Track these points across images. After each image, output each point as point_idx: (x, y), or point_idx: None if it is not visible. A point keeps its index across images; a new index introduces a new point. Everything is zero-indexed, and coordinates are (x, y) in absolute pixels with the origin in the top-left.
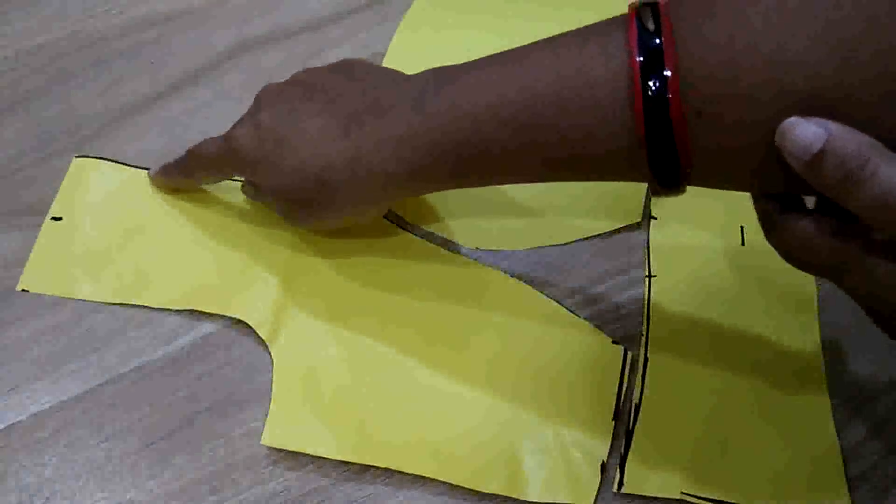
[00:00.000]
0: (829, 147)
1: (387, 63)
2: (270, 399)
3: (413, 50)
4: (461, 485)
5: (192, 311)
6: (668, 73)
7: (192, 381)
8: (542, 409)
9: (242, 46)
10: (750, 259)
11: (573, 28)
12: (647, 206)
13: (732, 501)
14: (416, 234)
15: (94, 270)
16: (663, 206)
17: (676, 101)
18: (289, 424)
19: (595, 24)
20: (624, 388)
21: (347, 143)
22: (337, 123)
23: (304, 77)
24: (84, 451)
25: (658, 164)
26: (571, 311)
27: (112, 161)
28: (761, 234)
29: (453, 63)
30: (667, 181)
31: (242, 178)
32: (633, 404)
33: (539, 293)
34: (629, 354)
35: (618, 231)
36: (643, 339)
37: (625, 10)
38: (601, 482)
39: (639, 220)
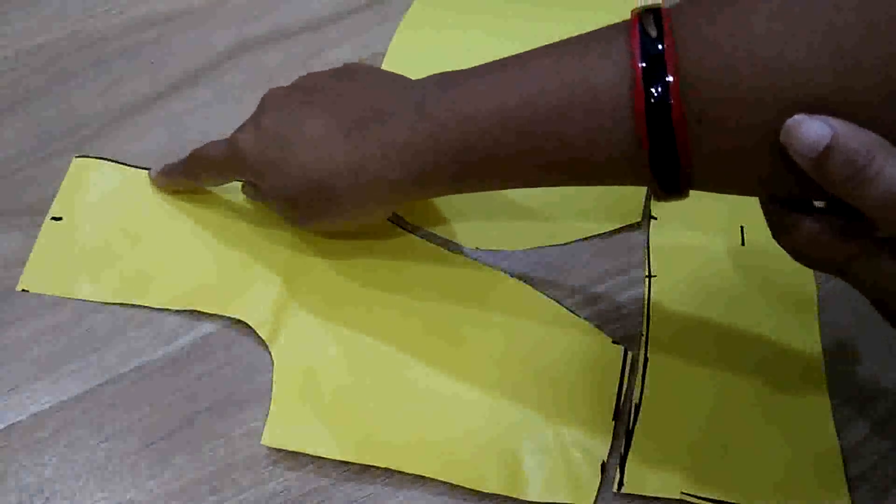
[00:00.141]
0: (835, 144)
1: (387, 63)
2: (270, 399)
3: (413, 50)
4: (461, 485)
5: (192, 311)
6: (670, 78)
7: (192, 381)
8: (542, 409)
9: (242, 46)
10: (750, 259)
11: (573, 28)
12: (647, 207)
13: (732, 501)
14: (416, 235)
15: (94, 270)
16: (663, 207)
17: (678, 107)
18: (289, 424)
19: (597, 29)
20: (624, 388)
21: (350, 148)
22: (340, 128)
23: (307, 82)
24: (84, 451)
25: (660, 169)
26: (571, 311)
27: (112, 161)
28: (761, 234)
29: (453, 63)
30: (669, 186)
31: (243, 180)
32: (633, 404)
33: (539, 293)
34: (629, 354)
35: (618, 231)
36: (643, 339)
37: (625, 9)
38: (601, 482)
39: (639, 220)
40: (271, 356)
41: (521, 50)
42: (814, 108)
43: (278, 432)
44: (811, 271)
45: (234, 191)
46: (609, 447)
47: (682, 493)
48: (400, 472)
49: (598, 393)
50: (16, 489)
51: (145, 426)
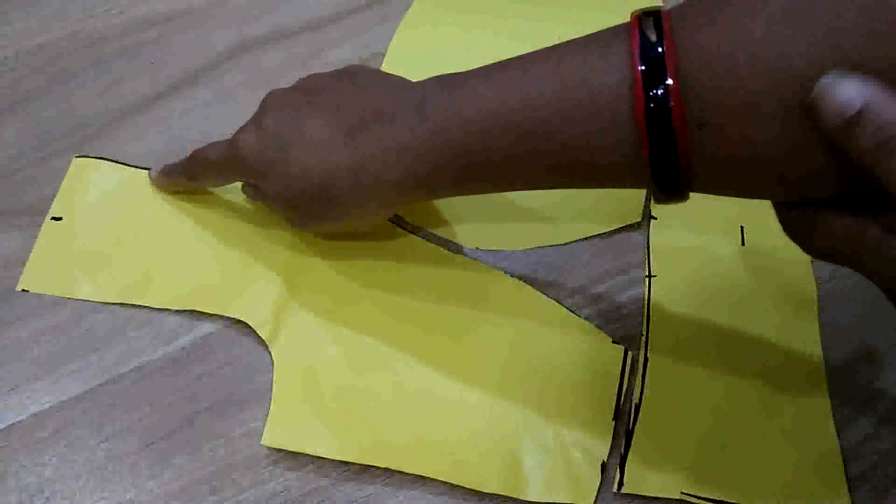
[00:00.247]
0: (867, 111)
1: (387, 63)
2: (270, 399)
3: (413, 50)
4: (461, 485)
5: (192, 311)
6: (670, 81)
7: (192, 381)
8: (542, 409)
9: (242, 46)
10: (750, 259)
11: (573, 27)
12: (647, 207)
13: (732, 501)
14: (416, 235)
15: (94, 270)
16: (663, 207)
17: (678, 110)
18: (289, 424)
19: (597, 32)
20: (624, 388)
21: (351, 150)
22: (341, 130)
23: (309, 83)
24: (84, 451)
25: (660, 172)
26: (571, 311)
27: (112, 161)
28: (761, 234)
29: (453, 63)
30: (669, 189)
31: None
32: (633, 404)
33: (539, 293)
34: (629, 354)
35: (618, 231)
36: (643, 339)
37: (625, 9)
38: (601, 482)
39: (639, 220)
40: (271, 356)
41: (522, 50)
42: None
43: (278, 432)
44: (811, 271)
45: (234, 191)
46: (609, 447)
47: (682, 493)
48: (400, 472)
49: (598, 393)
50: (16, 489)
51: (145, 426)
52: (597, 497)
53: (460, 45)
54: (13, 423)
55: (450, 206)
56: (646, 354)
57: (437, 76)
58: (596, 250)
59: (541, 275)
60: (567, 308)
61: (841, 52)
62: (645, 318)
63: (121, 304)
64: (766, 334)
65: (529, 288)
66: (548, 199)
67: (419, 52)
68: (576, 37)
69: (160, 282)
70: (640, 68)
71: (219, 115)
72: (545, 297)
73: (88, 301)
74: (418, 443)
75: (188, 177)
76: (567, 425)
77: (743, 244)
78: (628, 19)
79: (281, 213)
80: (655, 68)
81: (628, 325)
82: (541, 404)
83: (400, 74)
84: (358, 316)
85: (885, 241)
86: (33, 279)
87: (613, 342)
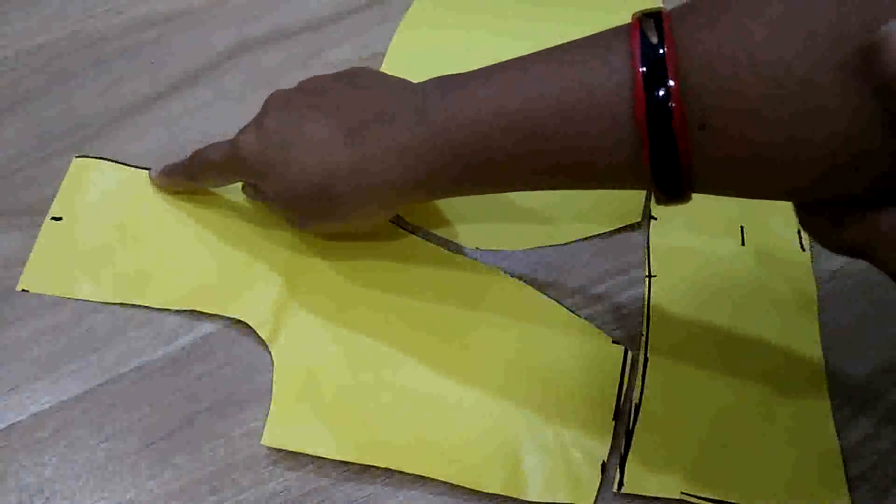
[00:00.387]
0: None
1: (387, 63)
2: (270, 399)
3: (413, 50)
4: (461, 485)
5: (192, 311)
6: (671, 82)
7: (192, 381)
8: (542, 409)
9: (242, 46)
10: (750, 259)
11: (573, 27)
12: (647, 207)
13: (732, 501)
14: (416, 235)
15: (95, 270)
16: (663, 207)
17: (679, 112)
18: (289, 424)
19: (598, 33)
20: (624, 388)
21: (352, 151)
22: (341, 131)
23: (310, 84)
24: (84, 451)
25: (661, 174)
26: (571, 311)
27: (112, 161)
28: (761, 235)
29: (453, 63)
30: (670, 191)
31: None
32: (633, 404)
33: (539, 293)
34: (629, 354)
35: (618, 231)
36: (643, 339)
37: (625, 9)
38: (601, 482)
39: (639, 220)
40: (271, 356)
41: (522, 50)
42: (816, 114)
43: (278, 432)
44: (811, 271)
45: (234, 191)
46: (609, 447)
47: (682, 493)
48: (400, 472)
49: (598, 393)
50: (16, 489)
51: (145, 426)
52: (597, 497)
53: (460, 46)
54: (13, 423)
55: (450, 206)
56: (646, 354)
57: (438, 77)
58: (596, 250)
59: (541, 275)
60: (567, 308)
61: (842, 53)
62: (645, 318)
63: (121, 304)
64: (766, 334)
65: (529, 288)
66: (548, 199)
67: (419, 52)
68: (576, 37)
69: (160, 282)
70: (641, 69)
71: (219, 115)
72: (545, 297)
73: (88, 301)
74: (418, 443)
75: (189, 177)
76: (567, 425)
77: (743, 244)
78: (628, 20)
79: (281, 213)
80: (656, 69)
81: (628, 325)
82: (541, 404)
83: (400, 75)
84: (358, 316)
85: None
86: (33, 279)
87: (613, 342)
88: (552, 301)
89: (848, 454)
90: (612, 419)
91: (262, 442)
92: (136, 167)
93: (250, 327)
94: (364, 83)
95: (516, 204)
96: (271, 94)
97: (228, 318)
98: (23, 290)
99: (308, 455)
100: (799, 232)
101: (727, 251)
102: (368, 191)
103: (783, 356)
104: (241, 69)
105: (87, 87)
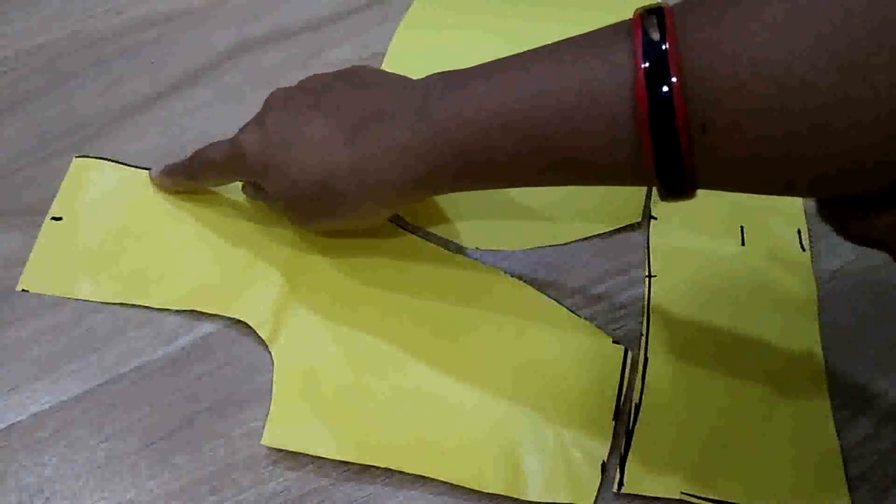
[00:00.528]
0: None
1: (387, 63)
2: (270, 399)
3: (413, 50)
4: (461, 485)
5: (192, 311)
6: (673, 79)
7: (192, 381)
8: (542, 409)
9: (242, 46)
10: (750, 259)
11: (573, 28)
12: (647, 206)
13: (732, 501)
14: (416, 234)
15: (95, 270)
16: (663, 207)
17: (681, 109)
18: (289, 424)
19: (599, 30)
20: (624, 388)
21: (352, 149)
22: (342, 130)
23: (311, 83)
24: (84, 451)
25: (664, 172)
26: (571, 311)
27: (112, 161)
28: (761, 235)
29: (453, 63)
30: (674, 188)
31: (244, 181)
32: (633, 404)
33: (539, 293)
34: (629, 354)
35: (618, 231)
36: (643, 339)
37: (625, 9)
38: (601, 482)
39: (639, 220)
40: (271, 356)
41: (521, 50)
42: (820, 118)
43: (278, 432)
44: (811, 271)
45: (234, 191)
46: (609, 447)
47: (682, 493)
48: (400, 472)
49: (598, 393)
50: (16, 489)
51: (145, 426)
52: (597, 497)
53: (460, 46)
54: (13, 423)
55: (450, 206)
56: (646, 354)
57: (438, 74)
58: (596, 250)
59: (541, 275)
60: (567, 308)
61: (843, 53)
62: (645, 318)
63: (121, 304)
64: (766, 334)
65: (529, 288)
66: (548, 199)
67: (419, 52)
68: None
69: (160, 282)
70: (643, 66)
71: (219, 115)
72: (545, 297)
73: (88, 301)
74: (418, 443)
75: (189, 176)
76: (567, 425)
77: (743, 244)
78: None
79: (282, 211)
80: (658, 66)
81: (628, 325)
82: (541, 404)
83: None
84: (358, 316)
85: None
86: (33, 279)
87: (613, 342)
88: (552, 301)
89: (848, 454)
90: (612, 419)
91: (262, 442)
92: (136, 167)
93: (250, 327)
94: (364, 82)
95: (516, 204)
96: (272, 93)
97: (228, 318)
98: (23, 290)
99: (308, 455)
100: (799, 232)
101: (727, 251)
102: (369, 189)
103: (783, 356)
104: (241, 69)
105: (87, 87)
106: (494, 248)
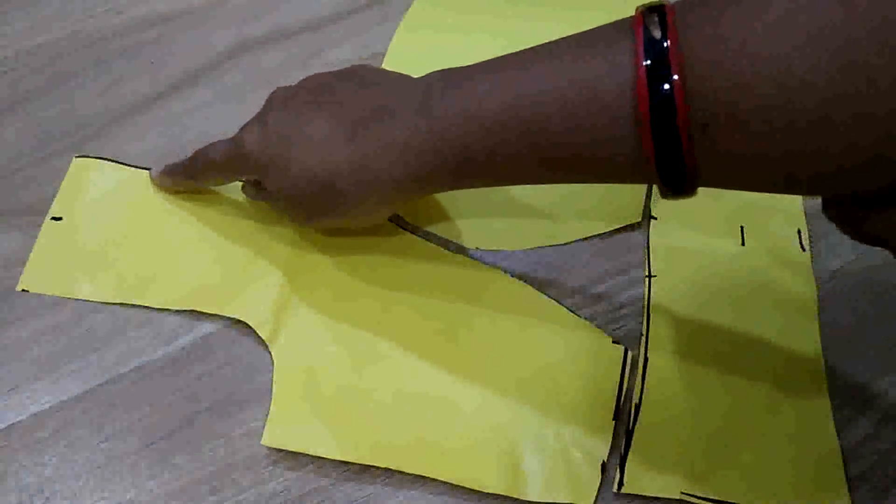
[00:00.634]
0: None
1: (387, 63)
2: (270, 399)
3: (413, 50)
4: (461, 485)
5: (192, 311)
6: (675, 77)
7: (192, 381)
8: (542, 409)
9: (242, 46)
10: (750, 259)
11: (573, 28)
12: (647, 206)
13: (732, 501)
14: (416, 235)
15: (94, 270)
16: (663, 207)
17: (682, 107)
18: (289, 424)
19: (600, 28)
20: (624, 388)
21: (353, 147)
22: (343, 128)
23: (312, 82)
24: (84, 451)
25: (665, 169)
26: (571, 311)
27: (112, 161)
28: (761, 235)
29: (454, 63)
30: (674, 185)
31: (244, 180)
32: (633, 404)
33: (539, 293)
34: (629, 354)
35: (618, 231)
36: (643, 338)
37: (625, 9)
38: (601, 482)
39: (639, 220)
40: (271, 356)
41: None
42: (820, 116)
43: (278, 432)
44: (811, 271)
45: (234, 191)
46: (609, 447)
47: (682, 493)
48: (400, 472)
49: (598, 393)
50: (16, 489)
51: (145, 426)
52: (597, 497)
53: (460, 46)
54: (13, 423)
55: (450, 205)
56: (646, 354)
57: (439, 71)
58: (596, 250)
59: (541, 275)
60: (567, 308)
61: (843, 52)
62: (645, 318)
63: (121, 304)
64: (766, 334)
65: (529, 288)
66: (548, 198)
67: (419, 52)
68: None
69: (160, 282)
70: (644, 63)
71: (219, 115)
72: (545, 296)
73: (88, 301)
74: (418, 443)
75: (190, 176)
76: (567, 425)
77: (743, 244)
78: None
79: (282, 210)
80: (659, 64)
81: (628, 325)
82: (541, 404)
83: None
84: (358, 316)
85: None
86: (33, 279)
87: (613, 342)
88: (552, 301)
89: (848, 454)
90: (612, 419)
91: (262, 442)
92: (137, 167)
93: (250, 327)
94: (365, 80)
95: (516, 204)
96: (274, 91)
97: (228, 318)
98: (23, 290)
99: (308, 455)
100: (799, 232)
101: (727, 251)
102: (370, 187)
103: (783, 356)
104: (241, 69)
105: (87, 87)
106: (494, 247)
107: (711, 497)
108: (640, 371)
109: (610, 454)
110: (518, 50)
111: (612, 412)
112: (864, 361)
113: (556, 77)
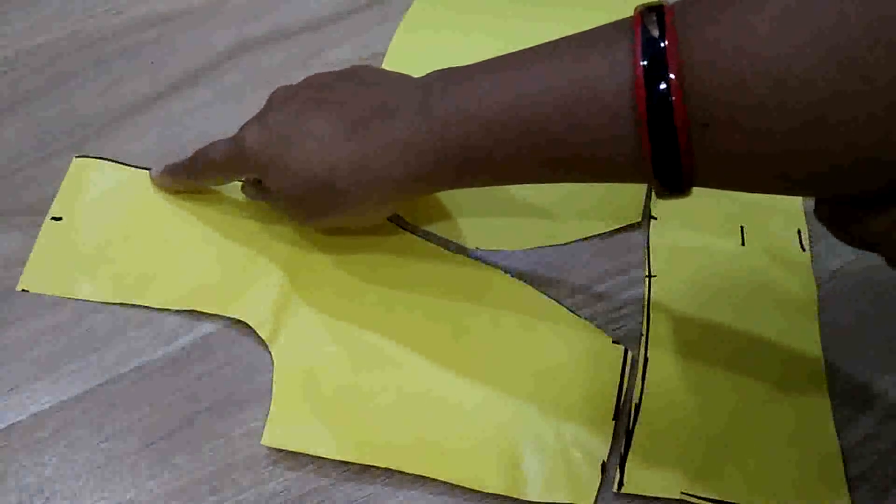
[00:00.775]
0: None
1: (387, 63)
2: (270, 399)
3: (413, 50)
4: (461, 485)
5: (192, 311)
6: (672, 76)
7: (192, 381)
8: (542, 409)
9: (242, 46)
10: (750, 259)
11: (573, 28)
12: (647, 206)
13: (732, 501)
14: (417, 235)
15: (94, 270)
16: (663, 206)
17: (680, 107)
18: (289, 424)
19: (599, 28)
20: (624, 388)
21: (353, 146)
22: (344, 127)
23: (313, 81)
24: (84, 451)
25: (662, 168)
26: (571, 311)
27: (112, 161)
28: (761, 234)
29: (454, 63)
30: (671, 185)
31: (243, 179)
32: (633, 404)
33: (539, 293)
34: (629, 354)
35: (618, 231)
36: (643, 338)
37: (625, 9)
38: (601, 482)
39: (639, 220)
40: (271, 356)
41: None
42: (819, 114)
43: (278, 432)
44: (811, 271)
45: (234, 191)
46: (609, 447)
47: (682, 493)
48: (400, 472)
49: (598, 393)
50: (16, 489)
51: (145, 426)
52: (597, 497)
53: (460, 46)
54: (13, 423)
55: (451, 206)
56: (646, 354)
57: (439, 71)
58: (596, 250)
59: (541, 275)
60: (567, 308)
61: (841, 50)
62: (645, 318)
63: (121, 304)
64: (766, 334)
65: (529, 288)
66: (548, 198)
67: (419, 52)
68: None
69: (160, 282)
70: (642, 63)
71: (219, 115)
72: (545, 296)
73: (88, 301)
74: (418, 443)
75: (190, 175)
76: (567, 425)
77: (743, 244)
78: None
79: (283, 209)
80: (657, 64)
81: (628, 325)
82: (541, 404)
83: None
84: (358, 316)
85: None
86: (33, 279)
87: (613, 342)
88: (552, 301)
89: (848, 454)
90: (612, 419)
91: (262, 442)
92: (137, 167)
93: (250, 327)
94: (366, 80)
95: (517, 203)
96: (274, 91)
97: (228, 318)
98: (23, 290)
99: (308, 455)
100: (799, 232)
101: (727, 251)
102: (370, 185)
103: (783, 356)
104: (241, 69)
105: (87, 87)
106: (495, 247)
107: (711, 497)
108: (640, 371)
109: (610, 454)
110: (518, 50)
111: (612, 412)
112: (864, 361)
113: (555, 77)
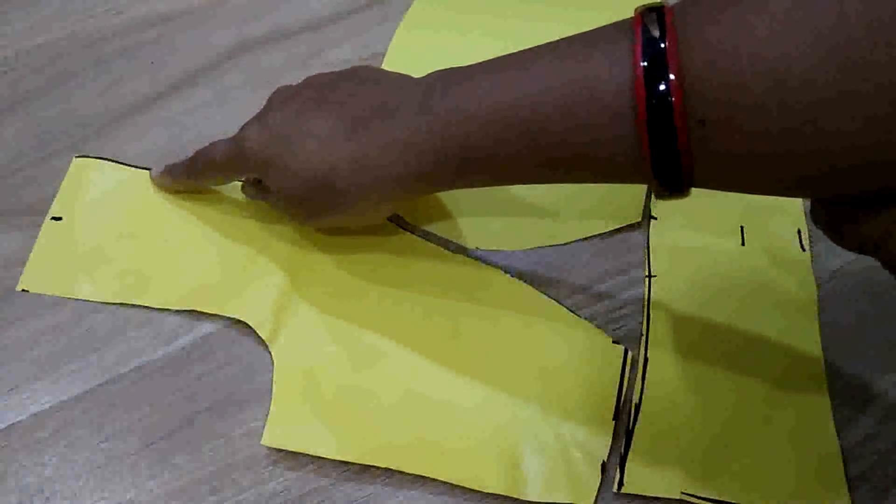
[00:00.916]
0: None
1: (387, 63)
2: (270, 399)
3: (413, 50)
4: (461, 485)
5: (192, 311)
6: (672, 77)
7: (192, 381)
8: (542, 409)
9: (242, 46)
10: (750, 259)
11: (573, 28)
12: (647, 206)
13: (732, 501)
14: (417, 235)
15: (94, 270)
16: (663, 206)
17: (679, 107)
18: (289, 424)
19: (600, 28)
20: (624, 388)
21: (354, 146)
22: (343, 126)
23: (314, 81)
24: (84, 451)
25: (661, 169)
26: (571, 311)
27: (112, 161)
28: (761, 235)
29: (454, 63)
30: (670, 185)
31: (243, 179)
32: (633, 404)
33: (539, 293)
34: (629, 354)
35: (618, 231)
36: (643, 338)
37: (625, 9)
38: (601, 482)
39: (639, 220)
40: (271, 356)
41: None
42: (819, 115)
43: (278, 432)
44: (811, 271)
45: (234, 191)
46: (609, 447)
47: (682, 493)
48: (400, 472)
49: (598, 393)
50: (16, 489)
51: (145, 426)
52: (597, 497)
53: (460, 46)
54: (13, 423)
55: (451, 206)
56: (646, 354)
57: (439, 71)
58: (596, 250)
59: (541, 275)
60: (567, 308)
61: (842, 50)
62: (645, 318)
63: (121, 304)
64: (766, 334)
65: (529, 288)
66: (548, 198)
67: (419, 52)
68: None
69: (160, 281)
70: (642, 64)
71: (219, 116)
72: (545, 296)
73: (88, 301)
74: (418, 443)
75: (190, 175)
76: (567, 425)
77: (743, 244)
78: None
79: (283, 209)
80: (657, 65)
81: (628, 325)
82: (541, 404)
83: None
84: (358, 316)
85: None
86: (33, 279)
87: (613, 342)
88: (552, 301)
89: (848, 454)
90: (612, 419)
91: (262, 442)
92: (137, 167)
93: (250, 327)
94: (366, 80)
95: (517, 203)
96: (275, 91)
97: (228, 318)
98: (23, 290)
99: (308, 455)
100: (799, 232)
101: (727, 251)
102: (370, 185)
103: (783, 356)
104: (241, 69)
105: (87, 87)
106: (494, 247)
107: (711, 497)
108: (640, 371)
109: (610, 454)
110: (518, 50)
111: (612, 412)
112: (864, 361)
113: (556, 77)
